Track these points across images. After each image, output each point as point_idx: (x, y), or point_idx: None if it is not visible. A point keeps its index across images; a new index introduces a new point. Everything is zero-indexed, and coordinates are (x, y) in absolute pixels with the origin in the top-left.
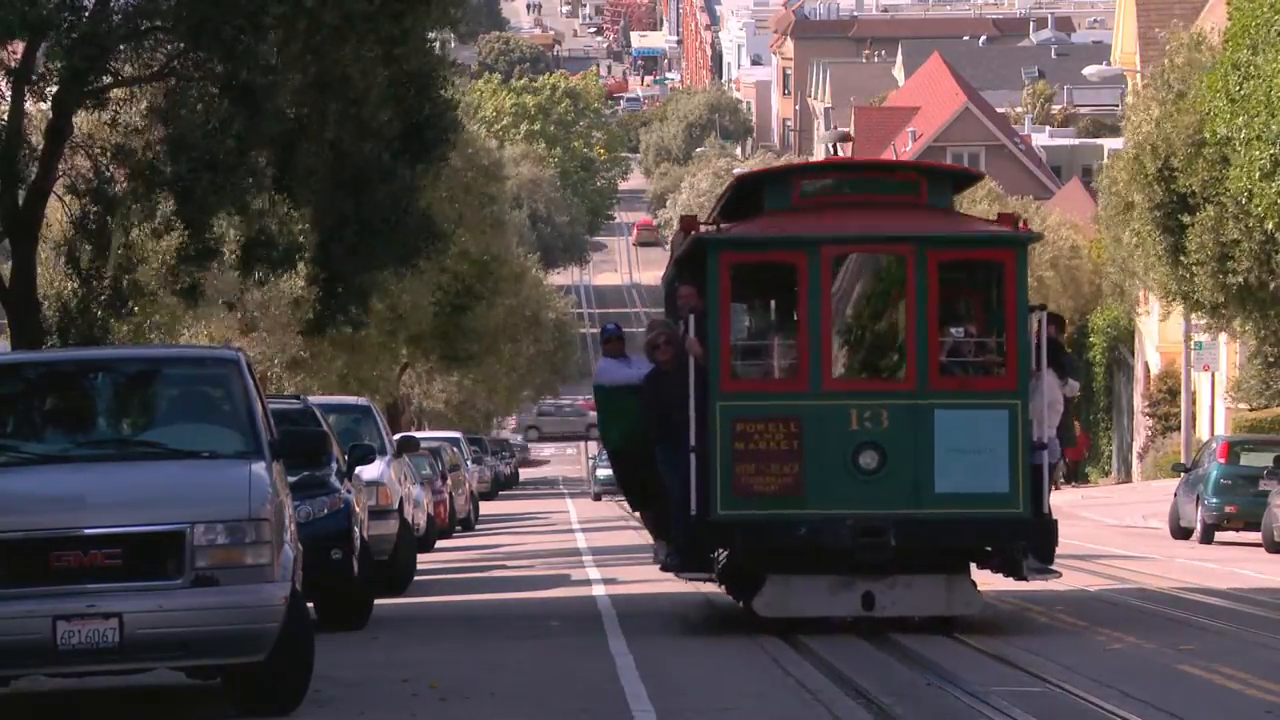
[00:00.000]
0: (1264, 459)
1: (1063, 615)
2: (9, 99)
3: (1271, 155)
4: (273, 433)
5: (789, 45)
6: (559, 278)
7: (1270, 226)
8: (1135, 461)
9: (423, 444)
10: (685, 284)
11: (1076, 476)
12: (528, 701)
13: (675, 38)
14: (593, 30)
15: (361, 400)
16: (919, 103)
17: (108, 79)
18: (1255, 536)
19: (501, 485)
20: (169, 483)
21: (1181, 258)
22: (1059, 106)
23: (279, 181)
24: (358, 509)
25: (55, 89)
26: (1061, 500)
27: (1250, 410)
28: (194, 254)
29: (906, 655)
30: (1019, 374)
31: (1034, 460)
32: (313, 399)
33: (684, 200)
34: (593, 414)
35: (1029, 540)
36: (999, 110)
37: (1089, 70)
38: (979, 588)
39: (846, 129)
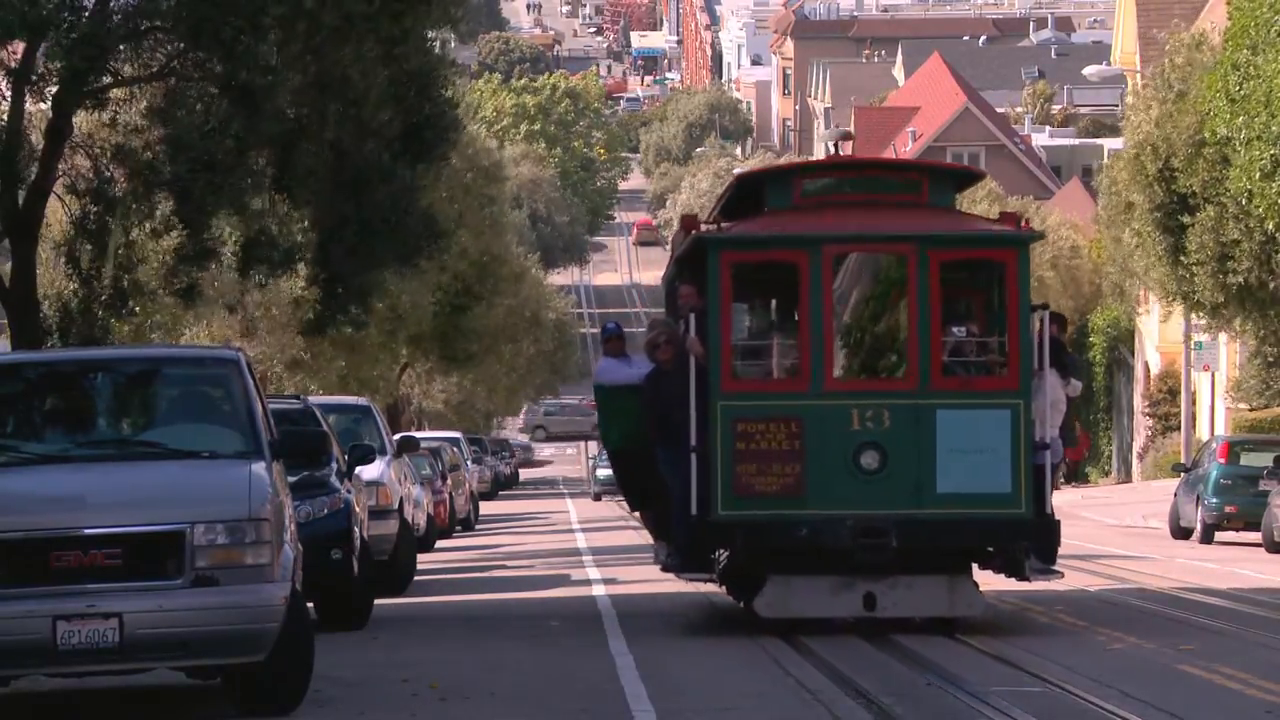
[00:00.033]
0: (1264, 459)
1: (1063, 615)
2: (9, 99)
3: (1272, 155)
4: (273, 433)
5: (789, 45)
6: (559, 278)
7: (1270, 226)
8: (1135, 461)
9: (423, 444)
10: (686, 283)
11: (1076, 476)
12: (528, 701)
13: (675, 38)
14: (593, 30)
15: (361, 400)
16: (919, 103)
17: (107, 79)
18: (1255, 536)
19: (501, 485)
20: (169, 483)
21: (1181, 258)
22: (1059, 106)
23: (278, 182)
24: (358, 509)
25: (55, 89)
26: (1061, 500)
27: (1250, 410)
28: (192, 254)
29: (907, 655)
30: (1021, 373)
31: (1036, 460)
32: (313, 399)
33: (684, 200)
34: None
35: (1031, 541)
36: (999, 110)
37: (1089, 70)
38: (980, 588)
39: (848, 128)
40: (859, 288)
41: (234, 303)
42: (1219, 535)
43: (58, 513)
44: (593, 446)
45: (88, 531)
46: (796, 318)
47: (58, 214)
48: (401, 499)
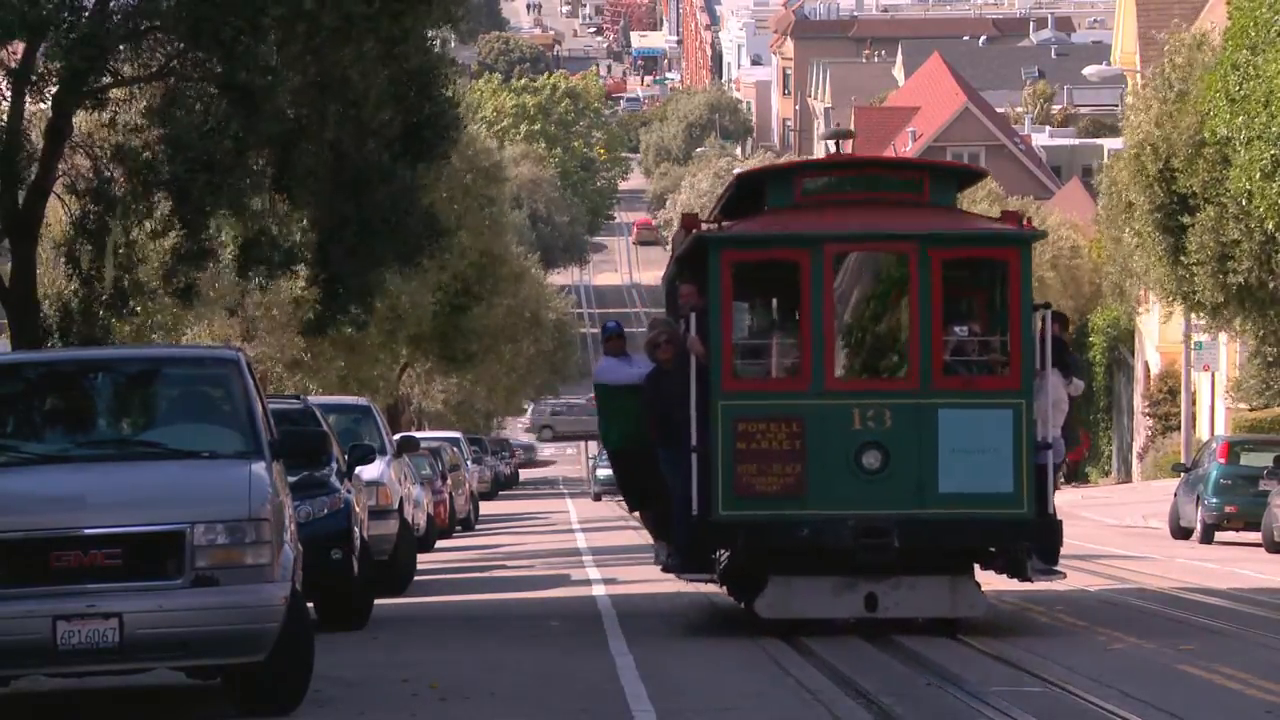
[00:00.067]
0: (1264, 459)
1: (1063, 615)
2: (9, 99)
3: (1272, 155)
4: (273, 433)
5: (789, 45)
6: (559, 278)
7: (1270, 226)
8: (1135, 461)
9: (423, 444)
10: (686, 282)
11: (1077, 476)
12: (528, 701)
13: (675, 38)
14: (593, 30)
15: (361, 400)
16: (919, 103)
17: (107, 79)
18: (1255, 536)
19: (501, 485)
20: (169, 483)
21: (1181, 258)
22: (1059, 106)
23: (278, 182)
24: (358, 509)
25: (55, 89)
26: (1062, 500)
27: (1250, 410)
28: (189, 255)
29: (907, 655)
30: (1023, 373)
31: (1038, 460)
32: (313, 399)
33: (684, 200)
34: None
35: (1033, 541)
36: (999, 110)
37: (1089, 70)
38: (982, 588)
39: (847, 127)
40: (860, 287)
41: (234, 305)
42: (1219, 535)
43: (58, 513)
44: (593, 446)
45: (88, 531)
46: (797, 317)
47: (58, 214)
48: (401, 499)
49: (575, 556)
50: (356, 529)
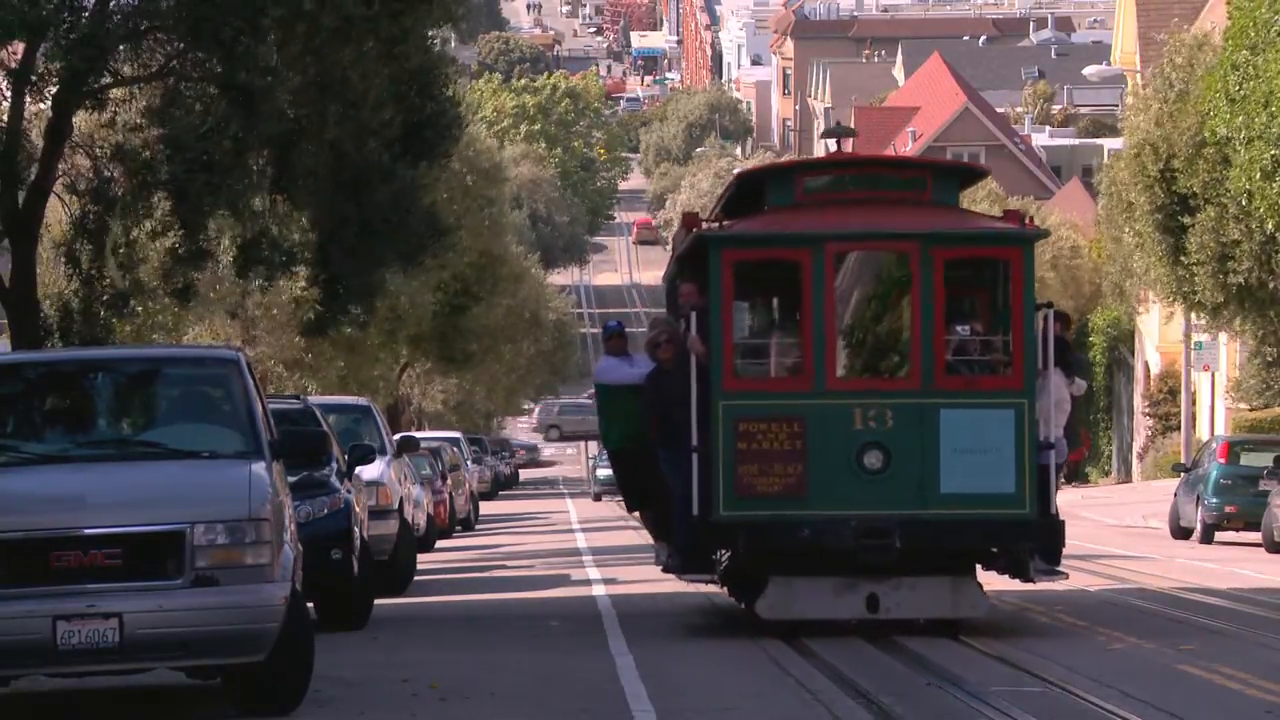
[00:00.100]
0: (1264, 459)
1: (1063, 615)
2: (9, 99)
3: (1272, 155)
4: (273, 433)
5: (789, 45)
6: (559, 278)
7: (1271, 227)
8: (1135, 461)
9: (423, 444)
10: (687, 281)
11: (1077, 476)
12: (528, 701)
13: (675, 38)
14: (593, 30)
15: (361, 400)
16: (919, 103)
17: (107, 79)
18: (1255, 536)
19: (501, 485)
20: (169, 483)
21: (1182, 258)
22: (1059, 106)
23: (278, 182)
24: (358, 509)
25: (55, 89)
26: (1062, 500)
27: (1250, 410)
28: (187, 255)
29: (907, 655)
30: (1025, 373)
31: (1040, 460)
32: (313, 399)
33: (684, 200)
34: None
35: (1035, 541)
36: (999, 110)
37: (1089, 70)
38: (983, 589)
39: (847, 125)
40: (861, 286)
41: (234, 307)
42: (1219, 535)
43: (58, 513)
44: (593, 446)
45: (88, 531)
46: (799, 316)
47: (58, 214)
48: (401, 499)
49: (575, 556)
50: (356, 529)
